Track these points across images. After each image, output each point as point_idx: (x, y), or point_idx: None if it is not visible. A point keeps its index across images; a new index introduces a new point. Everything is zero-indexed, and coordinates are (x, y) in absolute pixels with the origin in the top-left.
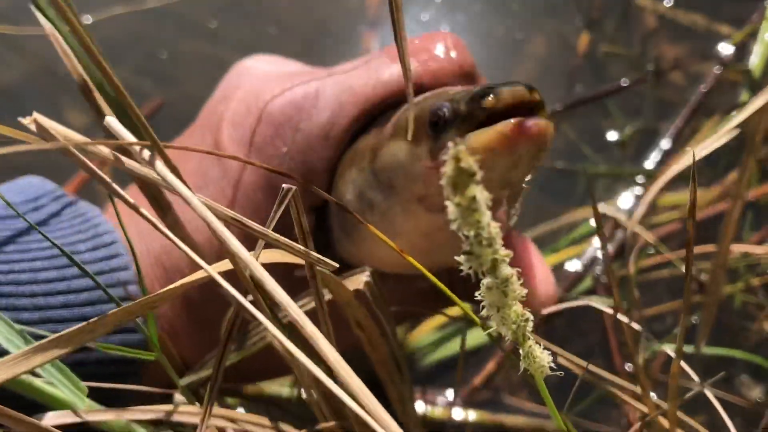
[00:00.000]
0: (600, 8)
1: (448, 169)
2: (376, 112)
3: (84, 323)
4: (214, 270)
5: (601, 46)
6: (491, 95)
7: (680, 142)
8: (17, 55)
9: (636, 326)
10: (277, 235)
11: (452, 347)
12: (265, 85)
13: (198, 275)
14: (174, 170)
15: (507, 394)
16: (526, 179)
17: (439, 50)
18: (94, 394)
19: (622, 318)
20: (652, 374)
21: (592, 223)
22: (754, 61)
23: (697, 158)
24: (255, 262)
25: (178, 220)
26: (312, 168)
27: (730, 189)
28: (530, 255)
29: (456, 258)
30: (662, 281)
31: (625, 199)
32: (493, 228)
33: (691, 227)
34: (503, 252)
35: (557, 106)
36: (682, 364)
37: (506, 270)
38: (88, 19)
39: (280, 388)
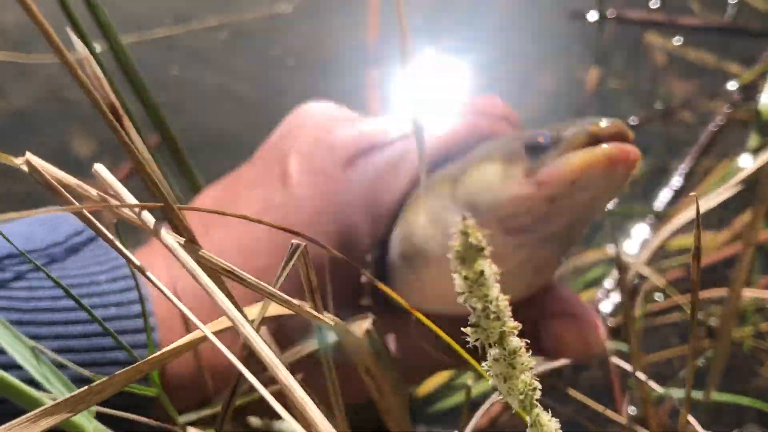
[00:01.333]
0: (609, 44)
1: (456, 244)
2: (447, 153)
3: (93, 384)
4: (210, 329)
5: (610, 82)
6: (596, 124)
7: (692, 181)
8: (27, 82)
9: (641, 376)
10: (280, 293)
11: (460, 396)
12: (333, 120)
13: (197, 334)
14: (186, 230)
15: None
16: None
17: (493, 99)
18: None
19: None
20: (661, 419)
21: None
22: (764, 101)
23: (705, 209)
24: (246, 323)
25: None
26: (379, 199)
27: (740, 232)
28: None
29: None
30: (671, 326)
31: (635, 240)
32: (501, 301)
33: (695, 275)
34: (511, 324)
35: None
36: (690, 417)
37: (514, 342)
38: (96, 49)
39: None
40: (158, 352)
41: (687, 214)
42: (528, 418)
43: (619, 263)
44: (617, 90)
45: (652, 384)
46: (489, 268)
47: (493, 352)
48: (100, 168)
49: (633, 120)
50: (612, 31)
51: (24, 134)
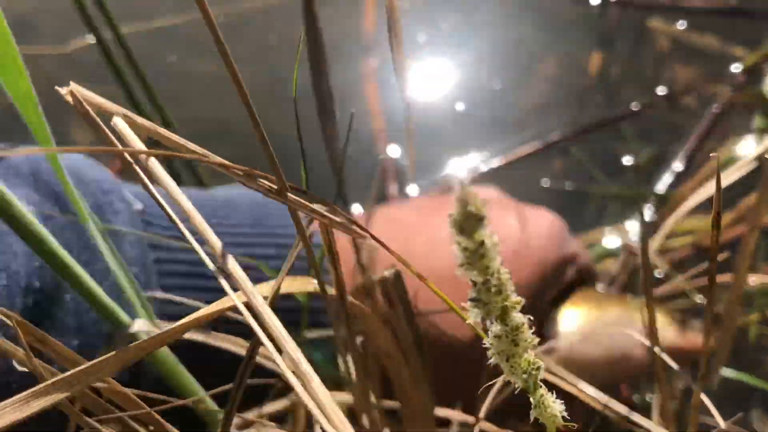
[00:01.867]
0: (613, 30)
1: (455, 213)
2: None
3: (93, 362)
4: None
5: (613, 67)
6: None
7: (694, 164)
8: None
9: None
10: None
11: None
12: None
13: (212, 308)
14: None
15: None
16: None
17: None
18: None
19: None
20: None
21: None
22: None
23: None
24: (260, 298)
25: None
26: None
27: (744, 214)
28: None
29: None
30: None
31: (636, 223)
32: (503, 274)
33: (714, 253)
34: (514, 299)
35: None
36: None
37: (517, 318)
38: (92, 39)
39: None
40: (161, 332)
41: (702, 193)
42: (532, 399)
43: (643, 248)
44: (620, 75)
45: (666, 357)
46: (490, 238)
47: (494, 328)
48: (118, 121)
49: (635, 106)
50: (615, 16)
51: (22, 126)
